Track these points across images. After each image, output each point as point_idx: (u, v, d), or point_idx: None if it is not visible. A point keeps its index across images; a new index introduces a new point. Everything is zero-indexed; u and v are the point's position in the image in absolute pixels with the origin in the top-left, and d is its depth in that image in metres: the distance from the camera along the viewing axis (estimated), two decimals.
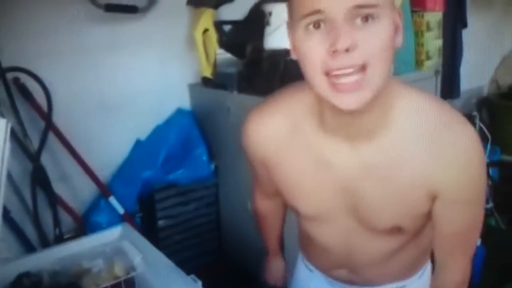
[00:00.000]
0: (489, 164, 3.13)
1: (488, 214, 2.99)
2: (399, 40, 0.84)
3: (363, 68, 0.78)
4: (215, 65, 2.28)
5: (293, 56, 0.89)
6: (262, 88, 2.13)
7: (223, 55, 2.31)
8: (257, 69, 2.16)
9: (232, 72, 2.26)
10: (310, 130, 1.00)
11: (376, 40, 0.77)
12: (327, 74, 0.79)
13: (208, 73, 2.27)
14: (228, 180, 2.38)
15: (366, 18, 0.76)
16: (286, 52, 2.11)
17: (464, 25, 3.04)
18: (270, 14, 2.12)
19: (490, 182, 3.04)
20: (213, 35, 2.26)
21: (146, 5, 2.23)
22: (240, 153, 2.19)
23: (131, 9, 2.20)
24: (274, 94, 1.12)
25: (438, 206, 0.97)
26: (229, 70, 2.28)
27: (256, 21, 2.17)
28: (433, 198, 0.96)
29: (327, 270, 1.29)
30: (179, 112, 2.36)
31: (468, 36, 3.08)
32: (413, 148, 0.91)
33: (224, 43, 2.29)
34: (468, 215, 1.00)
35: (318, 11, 0.76)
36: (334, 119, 0.93)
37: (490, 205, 3.00)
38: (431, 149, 0.90)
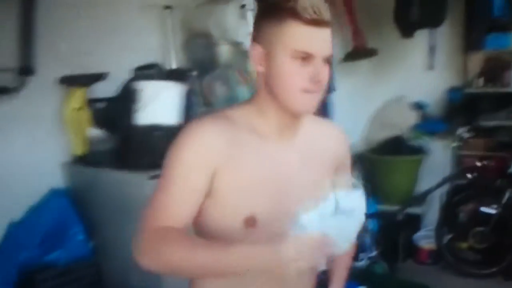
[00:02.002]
0: (369, 216, 3.23)
1: (373, 262, 3.15)
2: None
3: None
4: (87, 143, 2.25)
5: (256, 68, 1.16)
6: (135, 164, 2.13)
7: (96, 133, 2.27)
8: (129, 145, 2.16)
9: (105, 149, 2.23)
10: (251, 140, 1.17)
11: (327, 77, 1.14)
12: (303, 90, 1.11)
13: (80, 151, 2.24)
14: (110, 258, 2.34)
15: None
16: (156, 127, 2.11)
17: (333, 89, 3.37)
18: (140, 91, 2.13)
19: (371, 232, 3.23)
20: (85, 113, 2.24)
21: (17, 85, 2.20)
22: (121, 229, 2.19)
23: (2, 90, 2.17)
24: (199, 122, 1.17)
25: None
26: (102, 147, 2.25)
27: (128, 98, 2.16)
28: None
29: None
30: (53, 192, 2.31)
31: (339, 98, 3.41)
32: (318, 137, 1.27)
33: (97, 121, 2.26)
34: None
35: (309, 53, 1.09)
36: (280, 121, 1.19)
37: (374, 253, 3.14)
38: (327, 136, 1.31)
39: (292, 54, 1.09)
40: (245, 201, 1.15)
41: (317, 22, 1.08)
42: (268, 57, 1.13)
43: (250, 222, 1.15)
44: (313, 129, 1.28)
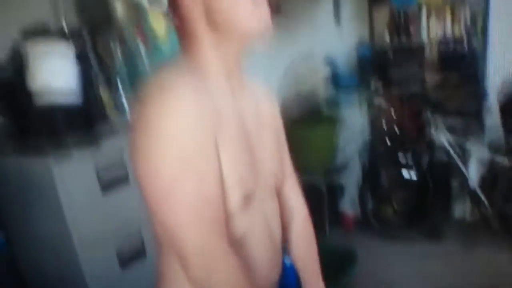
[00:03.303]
0: None
1: None
2: None
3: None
4: None
5: (187, 11, 0.97)
6: (36, 148, 1.85)
7: None
8: (28, 127, 1.89)
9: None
10: (221, 96, 0.98)
11: None
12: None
13: None
14: (25, 249, 2.10)
15: None
16: (56, 107, 1.86)
17: None
18: (26, 55, 1.84)
19: None
20: None
21: None
22: (33, 218, 1.92)
23: None
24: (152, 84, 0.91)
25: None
26: None
27: (16, 65, 1.87)
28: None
29: None
30: None
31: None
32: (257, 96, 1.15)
33: None
34: None
35: None
36: (228, 69, 1.01)
37: None
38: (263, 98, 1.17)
39: None
40: (240, 174, 0.97)
41: None
42: None
43: (248, 197, 1.00)
44: (250, 88, 1.12)
